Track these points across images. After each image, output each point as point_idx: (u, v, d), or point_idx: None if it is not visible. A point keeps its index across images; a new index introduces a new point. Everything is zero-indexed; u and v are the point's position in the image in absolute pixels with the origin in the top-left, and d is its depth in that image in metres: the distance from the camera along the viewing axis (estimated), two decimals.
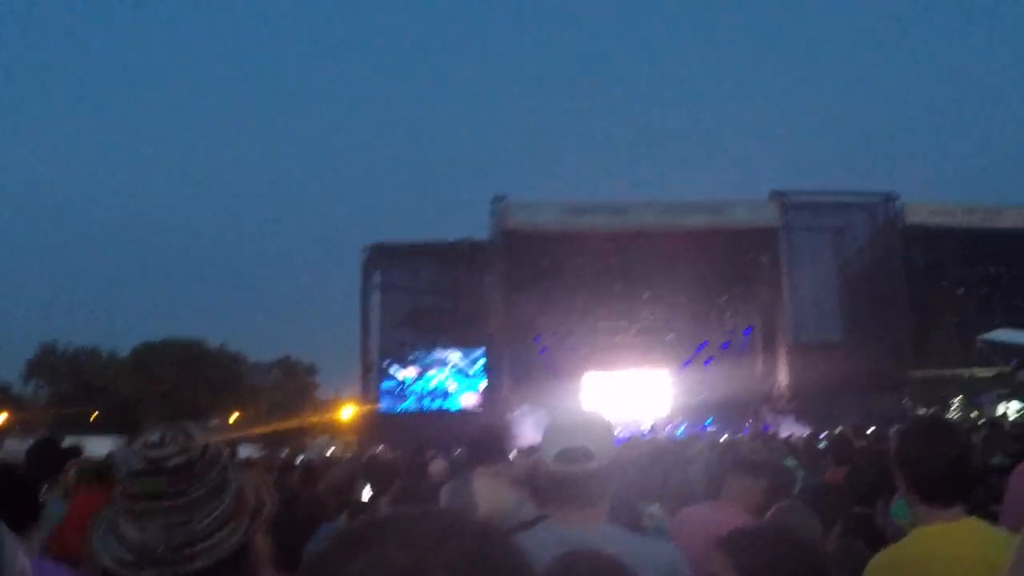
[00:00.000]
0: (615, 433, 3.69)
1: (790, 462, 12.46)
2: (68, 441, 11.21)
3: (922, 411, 31.92)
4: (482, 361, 39.52)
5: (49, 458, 6.93)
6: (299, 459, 19.09)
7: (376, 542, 1.07)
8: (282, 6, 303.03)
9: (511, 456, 13.75)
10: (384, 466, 8.47)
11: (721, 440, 18.43)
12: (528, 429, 28.79)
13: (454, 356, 40.01)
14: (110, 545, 2.20)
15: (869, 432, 17.06)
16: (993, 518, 4.14)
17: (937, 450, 3.46)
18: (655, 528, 6.70)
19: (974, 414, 30.66)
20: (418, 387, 39.78)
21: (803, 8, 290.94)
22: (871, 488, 8.89)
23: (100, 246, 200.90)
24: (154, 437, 2.23)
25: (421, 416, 37.14)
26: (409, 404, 39.64)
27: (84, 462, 8.62)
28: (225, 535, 2.21)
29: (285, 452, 28.73)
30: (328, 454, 28.59)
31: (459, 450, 13.62)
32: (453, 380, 39.88)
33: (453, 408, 38.23)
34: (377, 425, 38.74)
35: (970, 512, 3.50)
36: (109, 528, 2.23)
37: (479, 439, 6.80)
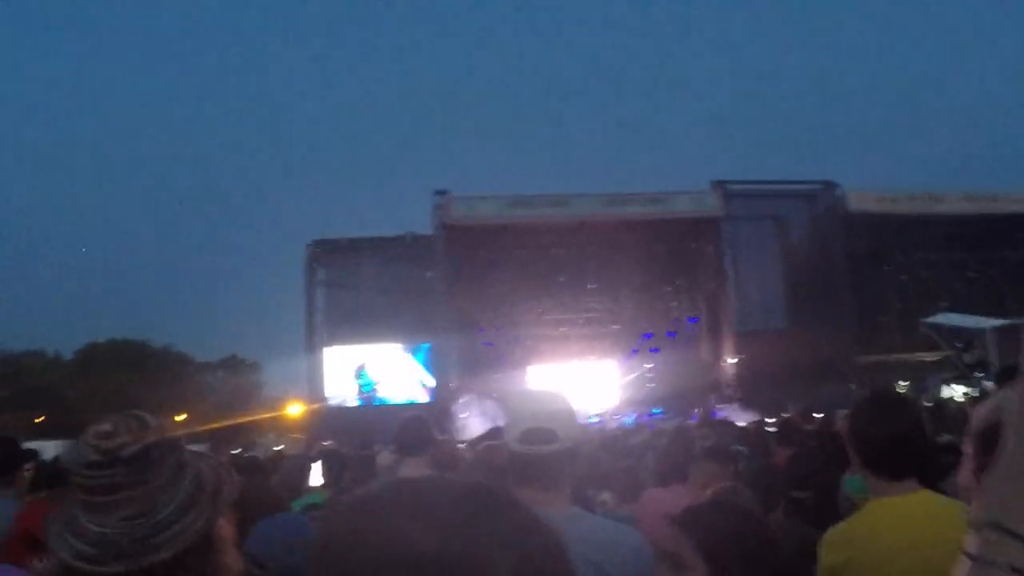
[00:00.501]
0: (576, 415, 3.67)
1: (739, 447, 12.55)
2: None
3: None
4: (428, 355, 39.46)
5: (6, 455, 6.80)
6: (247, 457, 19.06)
7: (395, 515, 0.98)
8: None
9: (461, 447, 13.80)
10: (334, 458, 8.46)
11: (669, 427, 18.48)
12: (473, 420, 28.82)
13: (400, 351, 39.94)
14: (69, 541, 2.11)
15: (817, 416, 17.16)
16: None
17: (888, 423, 3.51)
18: (607, 514, 6.68)
19: (920, 398, 30.90)
20: (364, 382, 39.67)
21: None
22: (814, 470, 8.94)
23: (42, 246, 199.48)
24: (106, 427, 2.16)
25: (368, 411, 37.02)
26: (356, 399, 39.53)
27: (44, 465, 8.51)
28: (188, 522, 2.14)
29: (236, 450, 28.58)
30: (277, 450, 28.44)
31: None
32: (399, 375, 39.82)
33: (400, 403, 38.15)
34: (324, 421, 38.68)
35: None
36: (66, 523, 2.14)
37: (403, 431, 6.79)
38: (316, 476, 8.65)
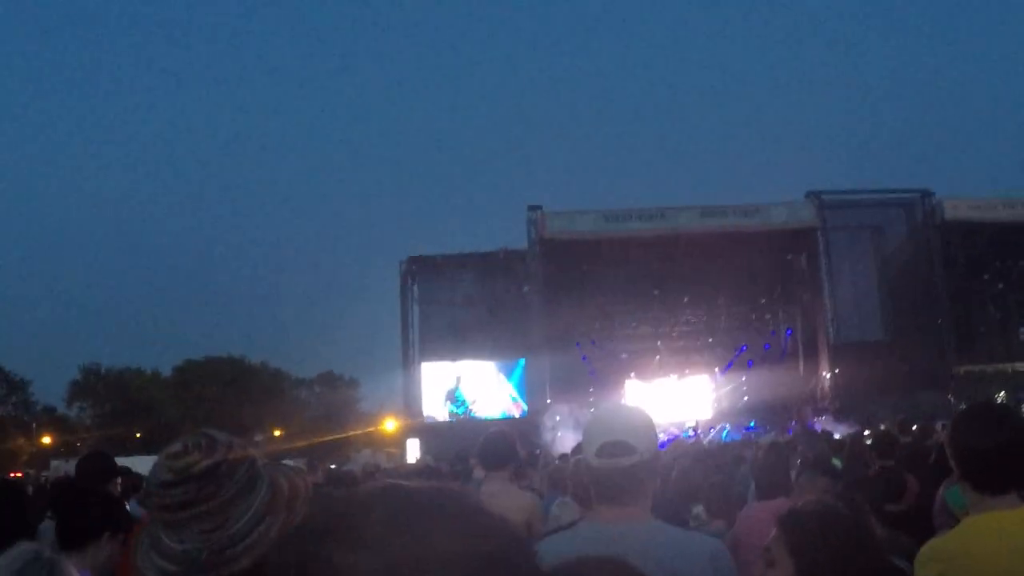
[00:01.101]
0: (656, 429, 3.66)
1: (836, 460, 12.49)
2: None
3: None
4: (523, 370, 39.44)
5: (100, 469, 6.96)
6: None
7: (370, 528, 1.02)
8: (318, 18, 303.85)
9: (555, 462, 13.86)
10: (421, 473, 8.55)
11: (764, 441, 18.42)
12: (567, 435, 28.77)
13: (495, 366, 39.97)
14: (153, 560, 2.20)
15: (914, 428, 16.97)
16: None
17: (989, 436, 3.40)
18: (700, 529, 6.75)
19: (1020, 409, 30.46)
20: (460, 398, 39.75)
21: (835, 6, 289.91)
22: (912, 479, 8.90)
23: (142, 265, 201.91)
24: (176, 447, 2.24)
25: (464, 426, 37.03)
26: (452, 415, 39.62)
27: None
28: (264, 529, 2.20)
29: (332, 465, 28.78)
30: (372, 464, 28.59)
31: None
32: (495, 390, 39.85)
33: (496, 418, 38.15)
34: (420, 436, 38.82)
35: None
36: (151, 544, 2.23)
37: (485, 446, 6.99)
38: None
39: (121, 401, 72.40)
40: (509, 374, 39.81)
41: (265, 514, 2.23)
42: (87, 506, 4.52)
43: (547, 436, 30.65)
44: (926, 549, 3.52)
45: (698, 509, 8.06)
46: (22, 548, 2.34)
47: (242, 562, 2.14)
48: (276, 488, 2.31)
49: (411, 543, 1.00)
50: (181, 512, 2.18)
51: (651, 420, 3.57)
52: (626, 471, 3.34)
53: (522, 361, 39.37)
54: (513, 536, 1.10)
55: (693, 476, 10.20)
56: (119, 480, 7.51)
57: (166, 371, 77.52)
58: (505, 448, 6.98)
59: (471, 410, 39.68)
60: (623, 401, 33.36)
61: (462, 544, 1.02)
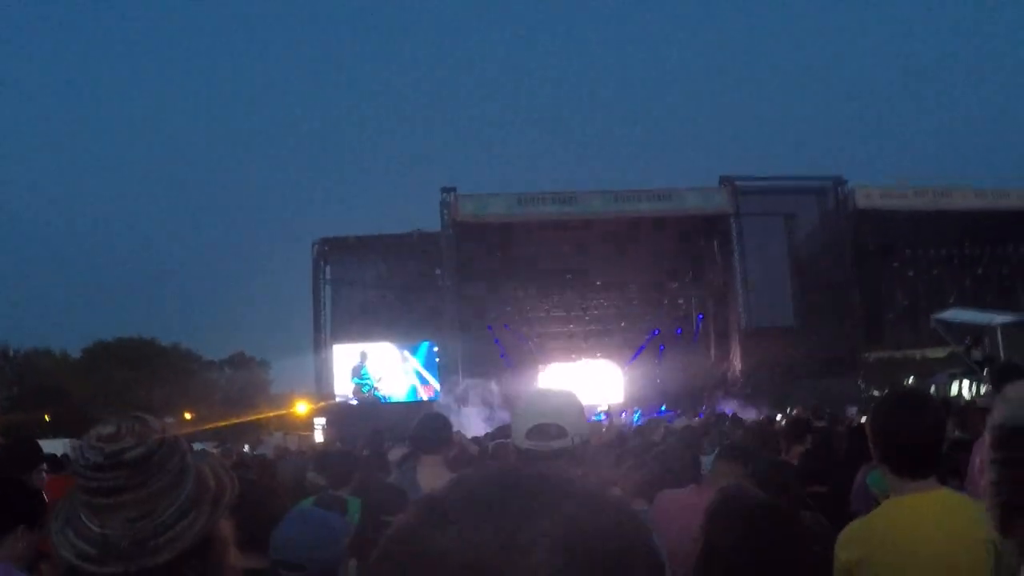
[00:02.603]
0: (585, 411, 3.65)
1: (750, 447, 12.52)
2: None
3: (875, 393, 32.07)
4: (430, 352, 39.49)
5: (25, 455, 6.83)
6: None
7: (464, 512, 0.95)
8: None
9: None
10: (341, 457, 8.36)
11: (677, 426, 18.43)
12: (475, 418, 28.80)
13: (408, 348, 39.95)
14: (70, 539, 2.13)
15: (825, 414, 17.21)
16: None
17: (910, 421, 3.51)
18: None
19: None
20: (372, 380, 39.67)
21: None
22: (827, 465, 8.97)
23: (48, 245, 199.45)
24: (109, 429, 2.15)
25: (376, 409, 36.99)
26: (363, 397, 39.52)
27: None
28: (188, 524, 2.14)
29: (244, 448, 28.56)
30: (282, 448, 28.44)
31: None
32: (407, 373, 39.84)
33: (406, 400, 38.15)
34: (329, 418, 38.72)
35: None
36: (67, 521, 2.15)
37: (421, 428, 6.83)
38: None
39: (29, 383, 71.64)
40: (424, 356, 39.79)
41: (191, 508, 2.16)
42: (1, 497, 4.37)
43: (456, 419, 30.58)
44: (847, 532, 3.61)
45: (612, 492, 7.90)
46: None
47: (164, 554, 2.08)
48: (203, 482, 2.25)
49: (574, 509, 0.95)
50: (107, 498, 2.10)
51: (582, 404, 3.57)
52: (555, 453, 3.31)
53: (426, 343, 39.45)
54: (634, 522, 1.03)
55: (606, 461, 10.11)
56: (44, 466, 7.42)
57: (75, 353, 76.92)
58: (441, 431, 6.89)
59: (376, 388, 39.58)
60: (550, 386, 33.43)
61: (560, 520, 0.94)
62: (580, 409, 3.50)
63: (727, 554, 3.02)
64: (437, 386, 38.79)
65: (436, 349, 39.36)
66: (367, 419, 29.74)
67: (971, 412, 10.01)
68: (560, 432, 3.30)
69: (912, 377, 34.60)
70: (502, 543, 0.90)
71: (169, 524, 2.12)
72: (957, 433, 9.08)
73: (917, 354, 38.20)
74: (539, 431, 3.33)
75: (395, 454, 11.52)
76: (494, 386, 34.36)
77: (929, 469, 3.51)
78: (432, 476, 6.18)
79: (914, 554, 3.31)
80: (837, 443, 10.96)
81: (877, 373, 37.05)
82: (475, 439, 14.16)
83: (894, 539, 3.39)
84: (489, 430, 17.92)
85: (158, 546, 2.08)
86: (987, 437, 2.16)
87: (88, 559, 2.08)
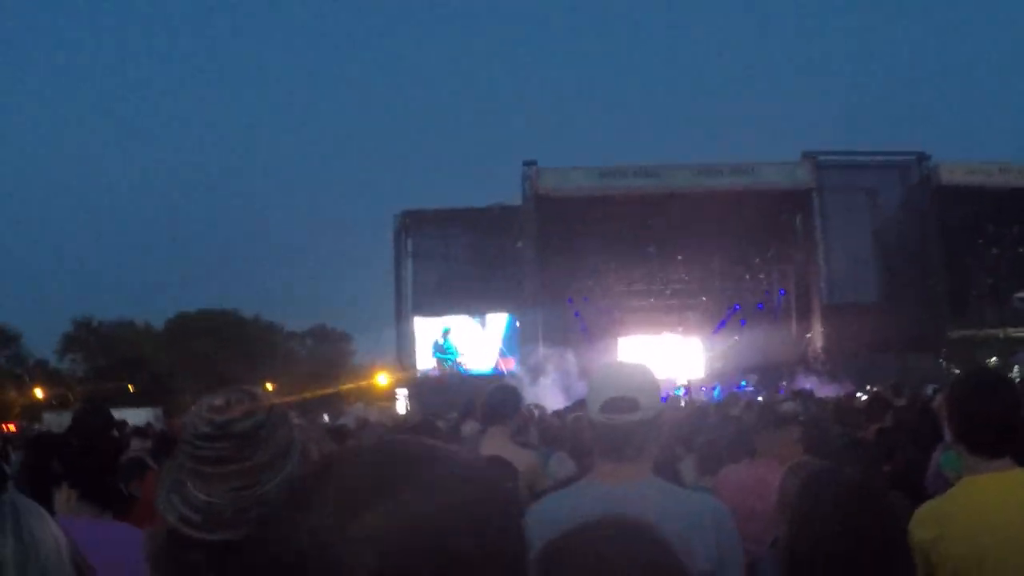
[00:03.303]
0: (660, 385, 3.63)
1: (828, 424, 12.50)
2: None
3: (956, 372, 31.80)
4: (513, 326, 39.49)
5: (96, 421, 6.97)
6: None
7: (358, 488, 1.00)
8: None
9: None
10: (417, 428, 8.49)
11: (759, 400, 18.40)
12: (555, 390, 28.82)
13: (488, 322, 40.04)
14: (175, 503, 2.22)
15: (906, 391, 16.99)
16: None
17: (987, 401, 3.50)
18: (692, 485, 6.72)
19: (1012, 373, 30.48)
20: (453, 353, 39.83)
21: None
22: (905, 443, 8.94)
23: (135, 218, 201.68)
24: (219, 401, 2.25)
25: (456, 381, 37.11)
26: (445, 371, 39.69)
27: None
28: None
29: (324, 419, 28.75)
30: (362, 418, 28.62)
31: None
32: (488, 346, 39.93)
33: (488, 373, 38.18)
34: (410, 390, 38.93)
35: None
36: (173, 486, 2.26)
37: (490, 399, 6.87)
38: None
39: (113, 354, 72.47)
40: (505, 329, 39.87)
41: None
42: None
43: (536, 392, 30.63)
44: (923, 511, 3.59)
45: (683, 465, 7.97)
46: None
47: None
48: (307, 457, 2.34)
49: (402, 502, 0.98)
50: (214, 467, 2.20)
51: (656, 377, 3.55)
52: (630, 427, 3.31)
53: (510, 317, 39.47)
54: (503, 495, 1.09)
55: (682, 434, 10.17)
56: (115, 432, 7.56)
57: (158, 324, 77.65)
58: (504, 404, 6.88)
59: (459, 363, 39.76)
60: (625, 359, 33.40)
61: (450, 502, 1.00)
62: (654, 382, 3.50)
63: (815, 533, 3.02)
64: (517, 359, 38.82)
65: (517, 323, 39.35)
66: (448, 392, 29.87)
67: None
68: (633, 406, 3.30)
69: (995, 356, 34.31)
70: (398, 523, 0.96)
71: (273, 496, 2.18)
72: None
73: (1000, 333, 37.80)
74: (613, 404, 3.32)
75: (469, 427, 11.65)
76: (571, 356, 34.40)
77: (1006, 449, 3.48)
78: (496, 448, 6.21)
79: (991, 533, 3.31)
80: (912, 422, 10.87)
81: (960, 351, 36.59)
82: (556, 412, 14.25)
83: (971, 518, 3.39)
84: (568, 403, 17.91)
85: (262, 515, 2.04)
86: None
87: (191, 524, 2.18)
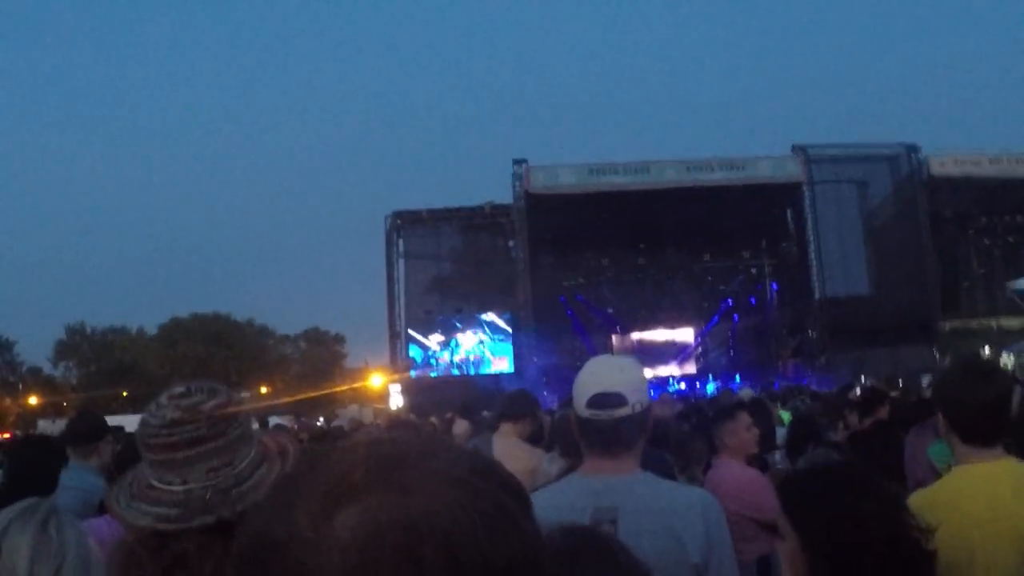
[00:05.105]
0: (647, 380, 3.62)
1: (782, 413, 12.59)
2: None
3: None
4: (508, 325, 39.50)
5: (87, 428, 6.96)
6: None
7: (354, 482, 0.97)
8: None
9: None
10: (408, 427, 8.52)
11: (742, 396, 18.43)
12: (551, 389, 28.85)
13: (481, 321, 40.04)
14: (142, 509, 2.19)
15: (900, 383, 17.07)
16: None
17: (977, 390, 3.48)
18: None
19: (1003, 363, 30.52)
20: (446, 353, 39.85)
21: None
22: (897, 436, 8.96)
23: (123, 224, 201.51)
24: (180, 389, 2.26)
25: (450, 381, 37.16)
26: (438, 370, 39.71)
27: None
28: (264, 472, 2.25)
29: (319, 421, 28.80)
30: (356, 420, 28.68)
31: (484, 412, 13.57)
32: (480, 345, 39.93)
33: (482, 372, 38.23)
34: (407, 392, 38.93)
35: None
36: (134, 495, 2.23)
37: (510, 402, 7.13)
38: None
39: (107, 360, 72.56)
40: (497, 329, 39.86)
41: (263, 459, 2.28)
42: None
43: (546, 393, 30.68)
44: (913, 499, 3.47)
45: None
46: (27, 500, 2.35)
47: (246, 502, 2.15)
48: (265, 444, 2.36)
49: (396, 497, 0.95)
50: (190, 449, 2.19)
51: (643, 372, 3.58)
52: (617, 422, 3.31)
53: (500, 315, 39.48)
54: (510, 488, 1.04)
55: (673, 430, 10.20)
56: (110, 438, 7.55)
57: (151, 329, 77.73)
58: (522, 403, 7.12)
59: (455, 362, 39.77)
60: (611, 354, 33.48)
61: (453, 497, 0.96)
62: (641, 377, 3.50)
63: (803, 518, 2.99)
64: (511, 358, 38.84)
65: (509, 320, 39.35)
66: (442, 391, 29.90)
67: None
68: (620, 401, 3.30)
69: (987, 346, 34.34)
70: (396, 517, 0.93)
71: (247, 474, 2.22)
72: None
73: (993, 323, 37.81)
74: (599, 400, 3.33)
75: (460, 427, 11.65)
76: (564, 354, 34.45)
77: (995, 438, 3.48)
78: (506, 443, 6.38)
79: (981, 521, 3.32)
80: (910, 413, 10.87)
81: (952, 342, 36.67)
82: (548, 411, 14.29)
83: (961, 507, 3.37)
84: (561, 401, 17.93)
85: (241, 494, 2.18)
86: None
87: (170, 520, 2.15)
